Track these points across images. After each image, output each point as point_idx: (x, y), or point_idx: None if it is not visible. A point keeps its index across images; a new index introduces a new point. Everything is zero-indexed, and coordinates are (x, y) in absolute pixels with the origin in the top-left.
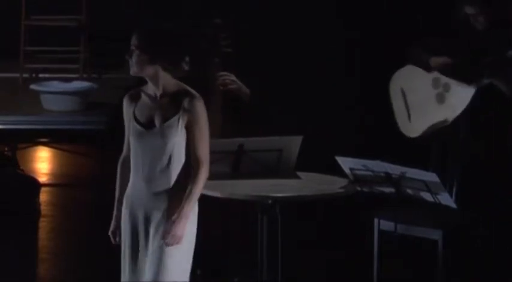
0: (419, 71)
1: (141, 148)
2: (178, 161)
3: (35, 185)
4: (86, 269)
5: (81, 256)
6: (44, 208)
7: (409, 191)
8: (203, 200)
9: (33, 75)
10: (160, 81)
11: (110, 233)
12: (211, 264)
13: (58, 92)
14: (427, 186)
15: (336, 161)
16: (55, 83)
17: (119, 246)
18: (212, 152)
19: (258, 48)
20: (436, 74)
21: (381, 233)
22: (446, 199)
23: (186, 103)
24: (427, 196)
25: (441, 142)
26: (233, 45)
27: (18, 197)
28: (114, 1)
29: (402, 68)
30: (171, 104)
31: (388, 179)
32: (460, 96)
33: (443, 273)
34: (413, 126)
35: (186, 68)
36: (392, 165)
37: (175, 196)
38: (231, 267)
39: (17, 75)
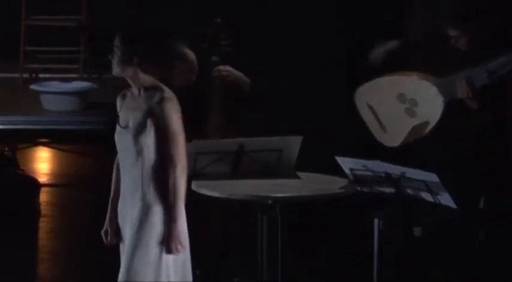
0: (382, 87)
1: (119, 147)
2: (148, 161)
3: (35, 185)
4: (86, 269)
5: (81, 256)
6: (44, 208)
7: (409, 191)
8: (203, 200)
9: (33, 75)
10: (140, 81)
11: (102, 233)
12: (211, 264)
13: (58, 92)
14: (427, 186)
15: (336, 161)
16: (55, 83)
17: (118, 247)
18: (212, 152)
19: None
20: (400, 90)
21: (381, 233)
22: (446, 199)
23: (155, 104)
24: (427, 196)
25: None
26: (233, 44)
27: (18, 197)
28: (114, 1)
29: (363, 85)
30: (144, 105)
31: (388, 179)
32: (430, 110)
33: (443, 273)
34: (391, 137)
35: (174, 73)
36: (392, 165)
37: (146, 199)
38: (231, 267)
39: (17, 75)
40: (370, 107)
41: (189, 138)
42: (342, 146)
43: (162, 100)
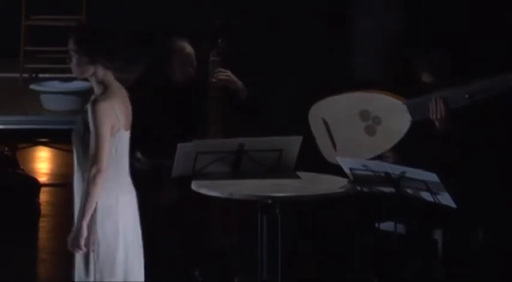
0: (342, 104)
1: None
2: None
3: (35, 185)
4: None
5: None
6: (44, 208)
7: (409, 191)
8: (203, 200)
9: (33, 75)
10: (98, 80)
11: None
12: (211, 264)
13: (58, 92)
14: (427, 186)
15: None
16: (55, 83)
17: None
18: (212, 152)
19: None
20: (363, 107)
21: (381, 233)
22: (446, 199)
23: (88, 104)
24: (427, 196)
25: None
26: (232, 45)
27: (18, 197)
28: (114, 1)
29: (321, 101)
30: None
31: (388, 179)
32: (394, 129)
33: (443, 273)
34: (341, 154)
35: (132, 68)
36: (392, 165)
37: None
38: (231, 267)
39: (17, 75)
40: (325, 122)
41: (189, 138)
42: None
43: (92, 101)
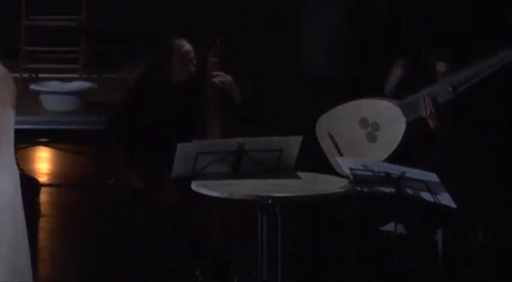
0: (343, 114)
1: None
2: None
3: (35, 185)
4: (86, 269)
5: (81, 256)
6: (44, 208)
7: (409, 191)
8: (203, 200)
9: (33, 75)
10: None
11: None
12: (211, 264)
13: (58, 92)
14: (427, 186)
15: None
16: (55, 83)
17: (118, 246)
18: (212, 152)
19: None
20: (362, 114)
21: (381, 233)
22: (446, 199)
23: None
24: (427, 196)
25: None
26: (231, 45)
27: None
28: (114, 1)
29: (327, 112)
30: None
31: (388, 179)
32: (391, 134)
33: (443, 273)
34: None
35: None
36: (392, 165)
37: None
38: (231, 267)
39: (17, 75)
40: (330, 135)
41: (189, 138)
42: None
43: None
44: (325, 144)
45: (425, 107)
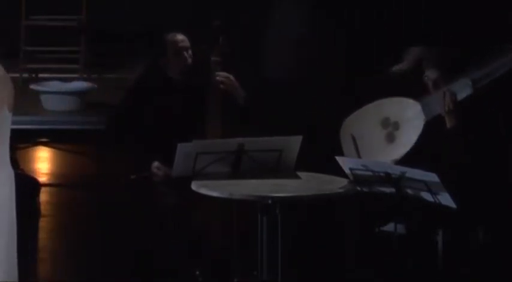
0: (368, 115)
1: None
2: None
3: (35, 185)
4: (86, 269)
5: (81, 256)
6: (44, 208)
7: (409, 191)
8: (203, 200)
9: (33, 75)
10: None
11: None
12: (211, 264)
13: (58, 92)
14: (427, 186)
15: (336, 161)
16: (55, 83)
17: (119, 246)
18: (212, 152)
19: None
20: (384, 114)
21: (381, 233)
22: (446, 199)
23: None
24: (427, 196)
25: None
26: (232, 45)
27: (18, 197)
28: (114, 1)
29: (352, 114)
30: None
31: (388, 179)
32: (409, 132)
33: (443, 273)
34: None
35: None
36: (392, 165)
37: None
38: (231, 267)
39: (17, 75)
40: (353, 138)
41: (189, 137)
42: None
43: None
44: (347, 148)
45: (446, 103)
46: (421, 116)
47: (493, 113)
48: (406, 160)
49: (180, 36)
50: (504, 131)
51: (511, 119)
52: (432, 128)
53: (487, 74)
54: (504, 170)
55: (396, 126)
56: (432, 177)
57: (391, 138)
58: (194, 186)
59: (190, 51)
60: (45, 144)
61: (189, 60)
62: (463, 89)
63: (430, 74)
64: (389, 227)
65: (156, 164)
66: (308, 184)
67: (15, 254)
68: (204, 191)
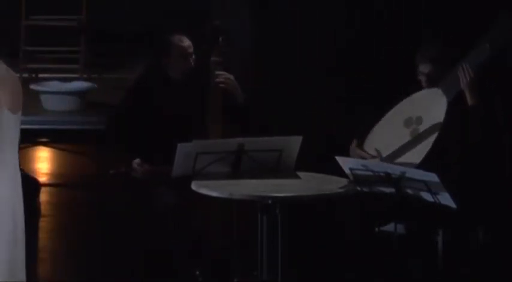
0: (390, 124)
1: None
2: None
3: (35, 185)
4: (86, 269)
5: (81, 256)
6: (44, 208)
7: (409, 191)
8: (203, 200)
9: (33, 75)
10: None
11: None
12: (211, 264)
13: (58, 92)
14: (427, 186)
15: (336, 161)
16: (55, 83)
17: (118, 246)
18: (212, 152)
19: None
20: (407, 113)
21: (381, 233)
22: (446, 199)
23: None
24: (427, 196)
25: None
26: (232, 45)
27: None
28: (114, 1)
29: (373, 129)
30: None
31: (388, 179)
32: (434, 120)
33: (443, 273)
34: None
35: None
36: (392, 165)
37: None
38: (231, 267)
39: (17, 75)
40: (378, 152)
41: (189, 137)
42: (342, 146)
43: None
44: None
45: (464, 75)
46: (443, 99)
47: (491, 100)
48: (439, 146)
49: (187, 42)
50: (502, 120)
51: (508, 108)
52: (453, 108)
53: (503, 33)
54: (502, 166)
55: (419, 121)
56: (432, 177)
57: (415, 134)
58: (194, 186)
59: (194, 56)
60: (45, 144)
61: (192, 64)
62: (480, 53)
63: (423, 69)
64: (389, 227)
65: (137, 160)
66: (308, 184)
67: (21, 254)
68: (204, 191)
